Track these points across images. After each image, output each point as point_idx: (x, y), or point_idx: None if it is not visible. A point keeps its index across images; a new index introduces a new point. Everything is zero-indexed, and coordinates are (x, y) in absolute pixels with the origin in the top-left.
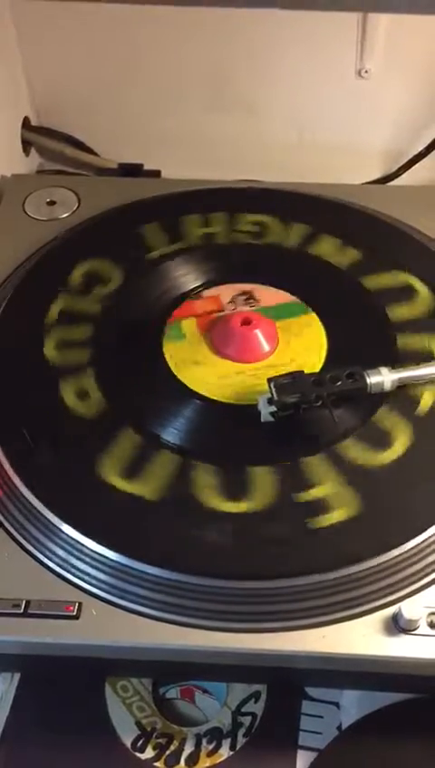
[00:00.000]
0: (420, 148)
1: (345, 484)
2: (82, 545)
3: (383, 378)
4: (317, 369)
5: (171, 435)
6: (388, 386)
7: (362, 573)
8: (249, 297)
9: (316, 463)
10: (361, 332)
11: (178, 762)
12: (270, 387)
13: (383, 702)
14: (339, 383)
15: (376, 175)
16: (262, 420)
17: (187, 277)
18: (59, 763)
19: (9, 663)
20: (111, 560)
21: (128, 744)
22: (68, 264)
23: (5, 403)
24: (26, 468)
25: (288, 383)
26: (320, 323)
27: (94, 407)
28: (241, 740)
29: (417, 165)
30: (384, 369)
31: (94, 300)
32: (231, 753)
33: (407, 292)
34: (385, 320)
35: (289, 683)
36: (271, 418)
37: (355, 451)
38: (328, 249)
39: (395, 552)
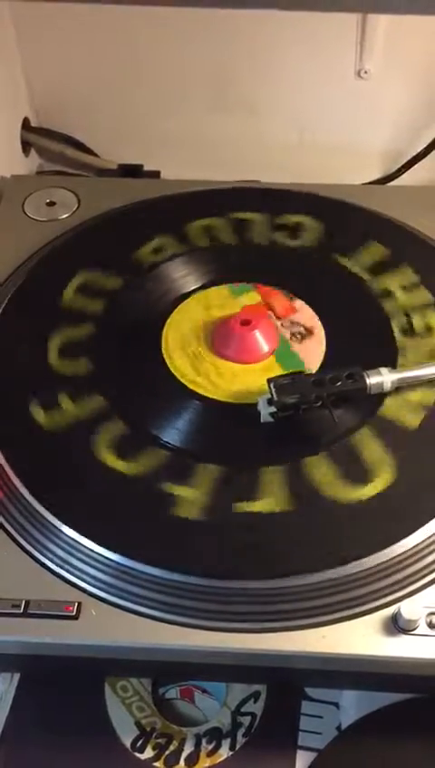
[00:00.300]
0: (420, 148)
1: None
2: (82, 545)
3: (383, 378)
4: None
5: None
6: (388, 386)
7: (361, 573)
8: (303, 334)
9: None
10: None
11: (177, 762)
12: (270, 387)
13: (383, 702)
14: (339, 384)
15: (376, 175)
16: (262, 421)
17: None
18: (59, 763)
19: (9, 663)
20: (111, 560)
21: (127, 744)
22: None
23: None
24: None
25: (288, 384)
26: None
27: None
28: (241, 740)
29: (417, 165)
30: (384, 370)
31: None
32: (231, 753)
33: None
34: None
35: (288, 683)
36: (271, 419)
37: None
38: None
39: (394, 551)
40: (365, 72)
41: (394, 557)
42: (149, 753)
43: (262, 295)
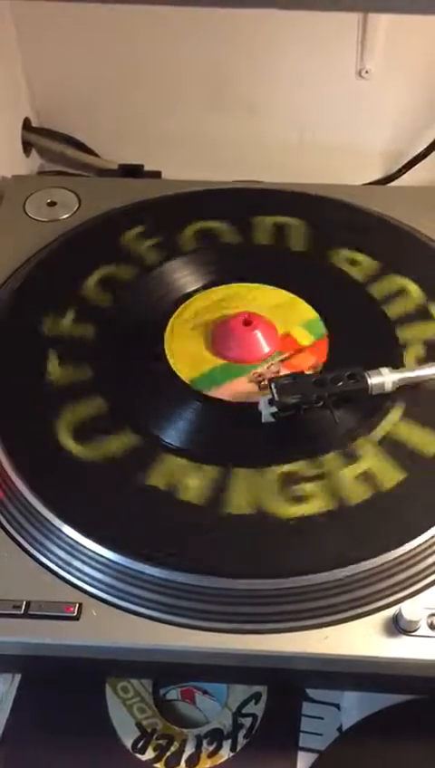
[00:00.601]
0: (421, 148)
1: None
2: (83, 546)
3: (384, 378)
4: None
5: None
6: (389, 387)
7: (362, 574)
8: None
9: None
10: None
11: (178, 763)
12: (271, 387)
13: (384, 703)
14: (340, 384)
15: (377, 175)
16: (263, 421)
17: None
18: (59, 764)
19: (10, 664)
20: (112, 561)
21: (128, 745)
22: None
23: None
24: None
25: (289, 384)
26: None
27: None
28: (242, 741)
29: (417, 165)
30: (385, 370)
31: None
32: (232, 754)
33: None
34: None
35: (289, 684)
36: (272, 419)
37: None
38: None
39: (396, 553)
40: (366, 72)
41: (395, 558)
42: (150, 754)
43: (311, 347)
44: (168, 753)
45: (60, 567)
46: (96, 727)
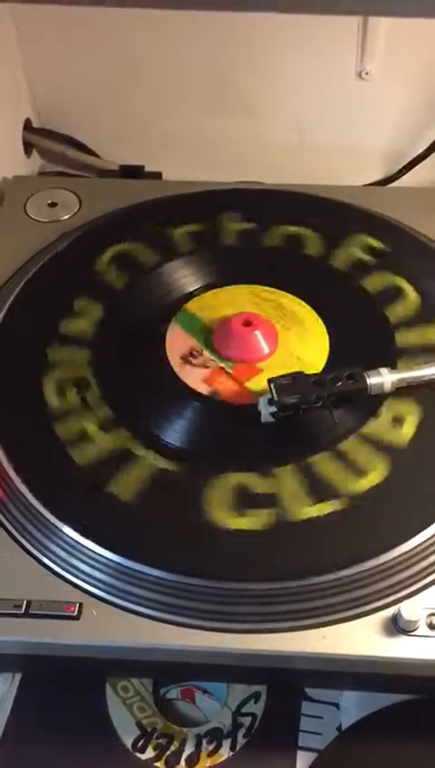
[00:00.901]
0: (421, 149)
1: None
2: (83, 546)
3: (383, 378)
4: (318, 370)
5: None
6: (388, 387)
7: (361, 574)
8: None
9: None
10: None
11: (178, 762)
12: (270, 387)
13: (383, 703)
14: (339, 384)
15: (377, 176)
16: (262, 421)
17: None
18: (59, 763)
19: (10, 663)
20: (112, 560)
21: (128, 744)
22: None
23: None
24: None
25: (289, 384)
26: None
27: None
28: (241, 740)
29: (418, 166)
30: (384, 370)
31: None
32: (231, 753)
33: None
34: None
35: (289, 684)
36: (271, 419)
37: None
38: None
39: (394, 553)
40: (366, 74)
41: (395, 558)
42: (149, 753)
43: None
44: (167, 753)
45: (60, 567)
46: (96, 726)
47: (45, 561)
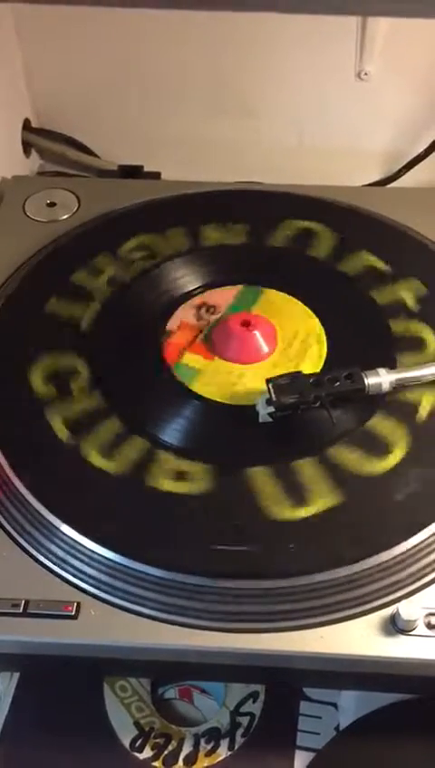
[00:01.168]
0: (420, 149)
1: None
2: (81, 545)
3: (381, 379)
4: (316, 371)
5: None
6: (386, 387)
7: (359, 574)
8: (210, 309)
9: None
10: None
11: (176, 761)
12: (269, 387)
13: (381, 703)
14: (337, 384)
15: (376, 177)
16: (260, 421)
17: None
18: (57, 763)
19: (8, 662)
20: (110, 560)
21: (126, 743)
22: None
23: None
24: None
25: (287, 384)
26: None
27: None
28: (239, 740)
29: (417, 167)
30: (382, 371)
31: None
32: (229, 753)
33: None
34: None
35: (287, 683)
36: (269, 419)
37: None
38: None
39: (393, 552)
40: (365, 74)
41: (393, 558)
42: (147, 752)
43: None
44: (165, 752)
45: (58, 566)
46: (94, 726)
47: (43, 560)
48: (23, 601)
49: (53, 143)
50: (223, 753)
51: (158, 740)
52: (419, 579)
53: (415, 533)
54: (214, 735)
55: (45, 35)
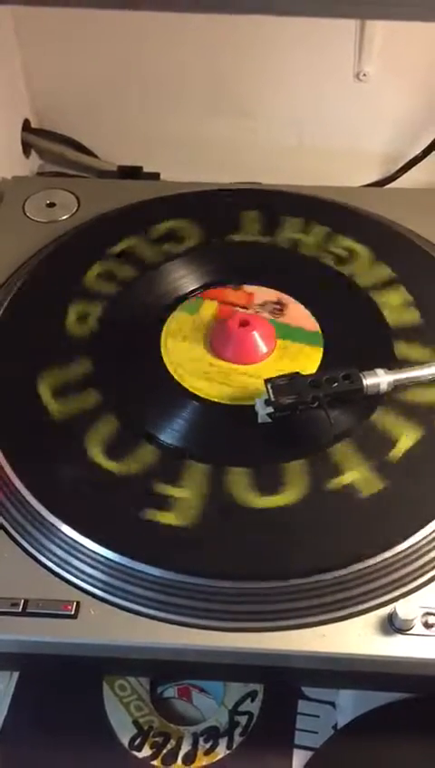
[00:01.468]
0: (418, 150)
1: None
2: (81, 545)
3: (380, 379)
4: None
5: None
6: (384, 387)
7: (357, 573)
8: (279, 307)
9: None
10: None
11: (175, 760)
12: (267, 388)
13: (379, 701)
14: (335, 384)
15: (374, 177)
16: (259, 421)
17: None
18: (56, 762)
19: (7, 662)
20: (110, 559)
21: (125, 742)
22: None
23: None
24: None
25: (285, 384)
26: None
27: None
28: (238, 739)
29: (415, 167)
30: (380, 371)
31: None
32: (228, 751)
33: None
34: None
35: (285, 682)
36: (268, 419)
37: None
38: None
39: (390, 552)
40: (364, 75)
41: (390, 557)
42: (146, 751)
43: (216, 299)
44: (164, 751)
45: (58, 566)
46: (93, 725)
47: (43, 559)
48: (22, 601)
49: (52, 144)
50: (222, 751)
51: (157, 739)
52: (416, 578)
53: (412, 533)
54: (213, 734)
55: (45, 36)
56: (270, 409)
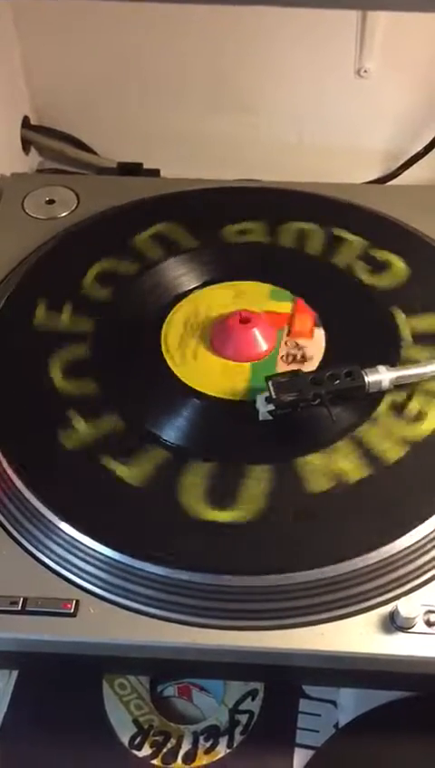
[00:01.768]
0: (420, 147)
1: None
2: (80, 543)
3: (382, 376)
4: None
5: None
6: (386, 384)
7: (359, 571)
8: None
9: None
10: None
11: (175, 759)
12: (268, 385)
13: (380, 700)
14: (337, 382)
15: (375, 174)
16: (260, 419)
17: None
18: (56, 761)
19: (7, 660)
20: (109, 557)
21: (125, 741)
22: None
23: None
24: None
25: (287, 381)
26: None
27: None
28: (238, 738)
29: (416, 164)
30: (382, 368)
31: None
32: (228, 750)
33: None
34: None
35: (286, 681)
36: (269, 417)
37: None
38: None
39: (392, 549)
40: (365, 71)
41: (392, 555)
42: (146, 750)
43: (294, 309)
44: (164, 750)
45: (57, 564)
46: (93, 724)
47: (42, 557)
48: (21, 599)
49: (52, 140)
50: (222, 750)
51: (157, 738)
52: (418, 576)
53: (414, 531)
54: (213, 733)
55: (44, 32)
56: (271, 407)
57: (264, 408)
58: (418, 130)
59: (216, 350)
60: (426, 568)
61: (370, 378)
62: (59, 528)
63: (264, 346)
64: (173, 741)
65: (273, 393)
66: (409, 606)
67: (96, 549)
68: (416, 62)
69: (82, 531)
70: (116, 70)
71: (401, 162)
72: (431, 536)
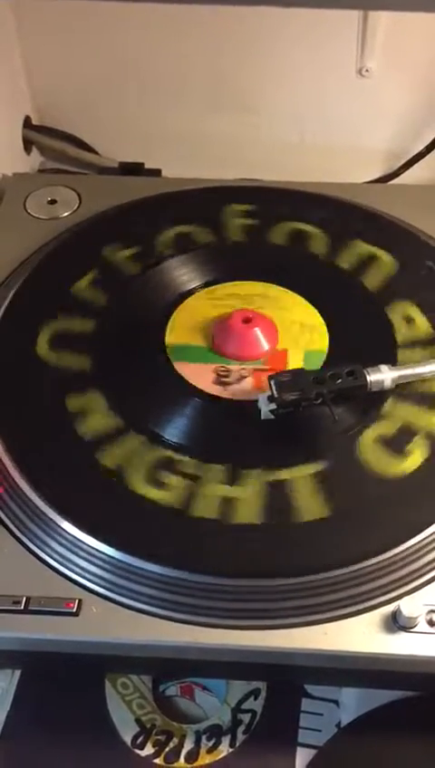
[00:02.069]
0: (421, 147)
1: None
2: (83, 542)
3: (384, 375)
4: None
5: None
6: (388, 384)
7: (361, 571)
8: None
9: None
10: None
11: (177, 758)
12: (271, 384)
13: (382, 700)
14: (339, 381)
15: (377, 174)
16: (262, 418)
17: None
18: (59, 760)
19: (10, 660)
20: (112, 557)
21: (128, 740)
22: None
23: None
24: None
25: (289, 381)
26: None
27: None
28: (241, 737)
29: (418, 164)
30: (385, 367)
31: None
32: (231, 750)
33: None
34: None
35: (288, 680)
36: (271, 416)
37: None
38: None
39: (395, 549)
40: (366, 71)
41: (395, 555)
42: (149, 749)
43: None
44: (167, 749)
45: (60, 563)
46: (95, 723)
47: (45, 557)
48: (24, 598)
49: (53, 140)
50: (224, 750)
51: (159, 737)
52: (420, 576)
53: (417, 531)
54: (215, 732)
55: (45, 32)
56: (273, 406)
57: (266, 408)
58: (419, 130)
59: (217, 349)
60: (428, 568)
61: (372, 377)
62: (61, 527)
63: (265, 346)
64: (176, 740)
65: (275, 392)
66: (411, 606)
67: (99, 548)
68: (417, 62)
69: (85, 530)
70: (118, 69)
71: (403, 162)
72: (433, 536)
